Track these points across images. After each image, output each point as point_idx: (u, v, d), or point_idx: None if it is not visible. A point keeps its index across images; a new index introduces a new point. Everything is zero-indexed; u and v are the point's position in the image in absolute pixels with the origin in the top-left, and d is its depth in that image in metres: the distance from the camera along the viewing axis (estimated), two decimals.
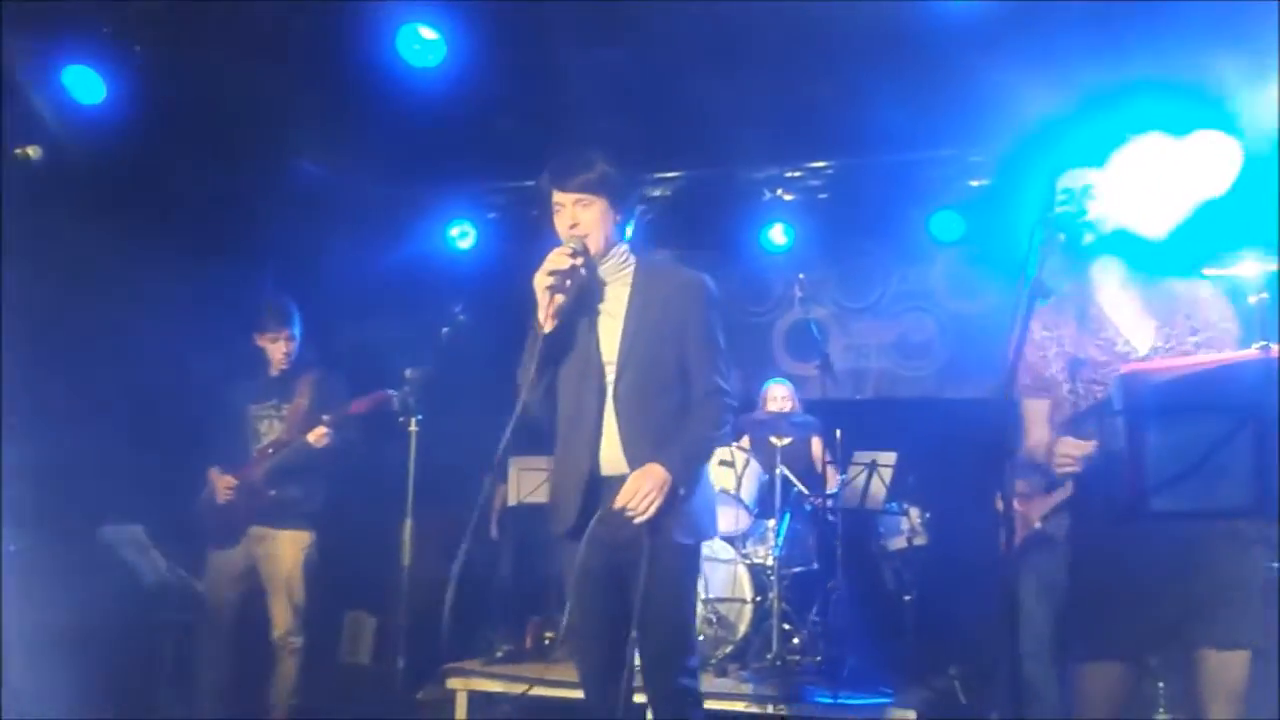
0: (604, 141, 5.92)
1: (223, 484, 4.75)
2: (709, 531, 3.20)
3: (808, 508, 5.85)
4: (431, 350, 4.17)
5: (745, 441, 5.99)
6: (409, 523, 3.43)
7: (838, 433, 5.57)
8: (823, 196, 6.59)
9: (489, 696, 5.30)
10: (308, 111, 5.70)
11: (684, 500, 3.00)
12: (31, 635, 4.31)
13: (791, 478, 5.65)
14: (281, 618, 4.72)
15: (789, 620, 5.38)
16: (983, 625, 4.82)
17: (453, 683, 5.27)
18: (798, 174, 6.56)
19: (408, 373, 4.11)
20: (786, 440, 5.74)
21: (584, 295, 3.09)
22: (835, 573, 5.41)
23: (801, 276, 6.01)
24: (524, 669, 5.35)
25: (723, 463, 5.68)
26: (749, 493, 5.70)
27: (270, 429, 4.80)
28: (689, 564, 3.12)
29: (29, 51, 4.83)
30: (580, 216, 3.05)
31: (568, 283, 2.99)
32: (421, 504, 4.18)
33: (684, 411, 3.08)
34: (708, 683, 4.91)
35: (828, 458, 5.79)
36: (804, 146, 6.37)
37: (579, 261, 3.00)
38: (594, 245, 3.05)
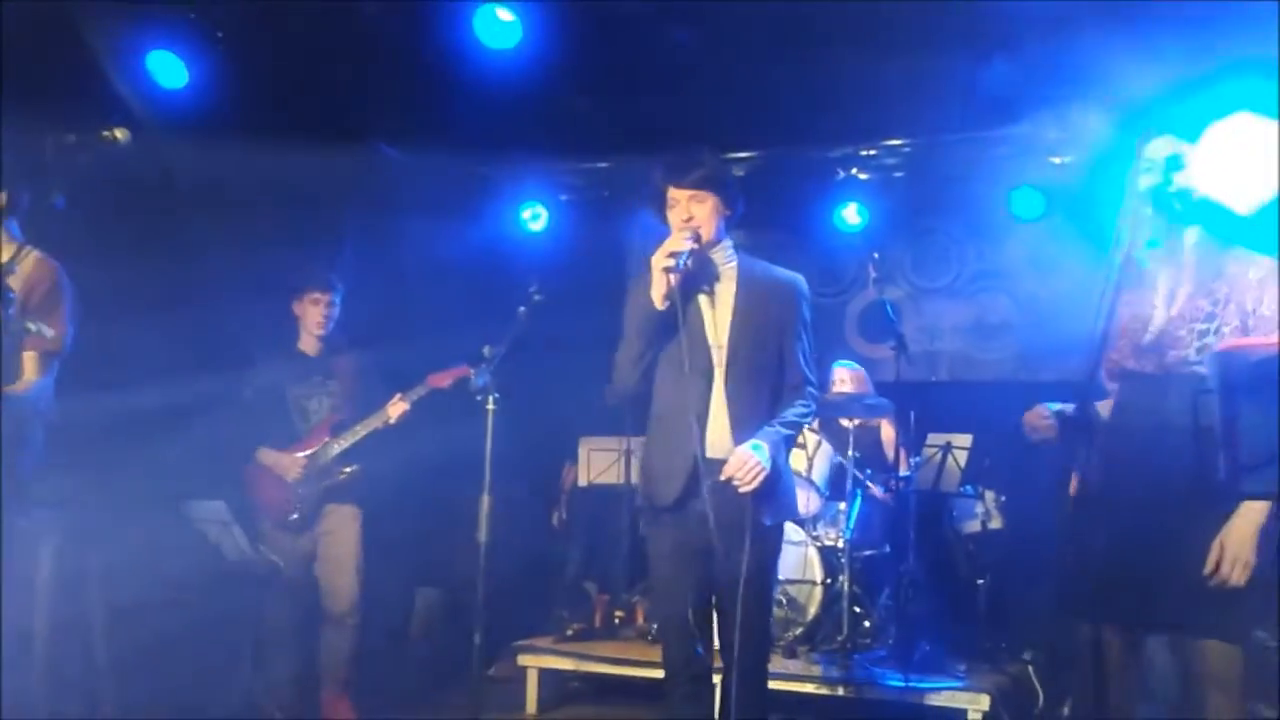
0: (677, 122, 5.93)
1: (292, 463, 4.78)
2: (793, 513, 3.47)
3: (880, 490, 5.80)
4: (508, 329, 4.20)
5: (815, 423, 5.95)
6: (486, 499, 3.47)
7: (911, 415, 5.51)
8: (898, 175, 6.50)
9: (559, 674, 5.36)
10: (385, 94, 5.77)
11: (775, 482, 3.20)
12: (114, 611, 4.44)
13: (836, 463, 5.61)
14: (342, 591, 4.77)
15: (859, 603, 5.35)
16: (1059, 610, 4.74)
17: (524, 660, 5.33)
18: (873, 152, 6.48)
19: (485, 350, 4.14)
20: (858, 422, 5.70)
21: (694, 281, 3.29)
22: (907, 556, 5.36)
23: (876, 256, 5.94)
24: (594, 647, 5.39)
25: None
26: (820, 474, 5.67)
27: (320, 406, 4.84)
28: (776, 544, 3.41)
29: (115, 37, 4.94)
30: (695, 211, 3.26)
31: (683, 266, 3.17)
32: (497, 481, 4.22)
33: (777, 399, 3.31)
34: (777, 664, 4.91)
35: (900, 440, 5.73)
36: (879, 124, 6.28)
37: (695, 246, 3.20)
38: (705, 237, 3.27)
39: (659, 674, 4.99)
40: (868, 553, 5.56)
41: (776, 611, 5.20)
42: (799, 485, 5.58)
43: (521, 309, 3.89)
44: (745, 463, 3.12)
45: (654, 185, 3.33)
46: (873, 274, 5.93)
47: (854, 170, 6.57)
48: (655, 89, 5.61)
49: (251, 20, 5.10)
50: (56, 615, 4.30)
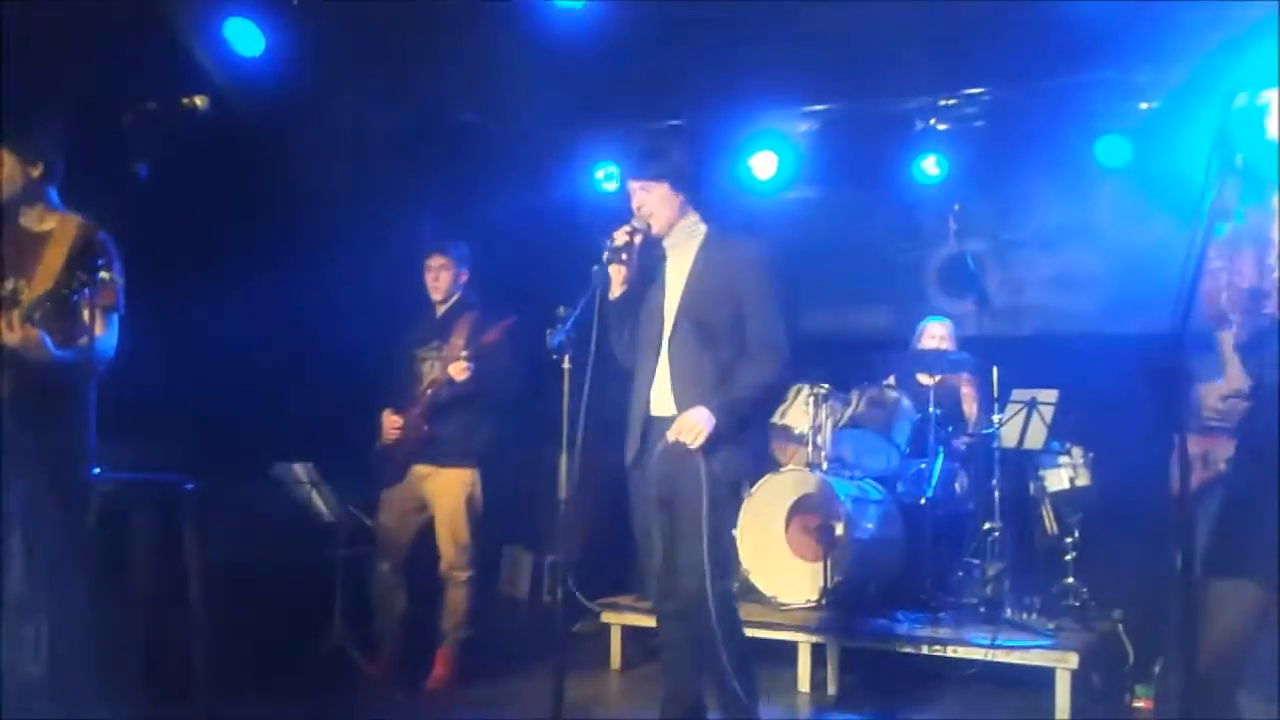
0: (750, 77, 5.85)
1: (390, 424, 4.89)
2: (748, 472, 3.74)
3: (962, 447, 5.72)
4: (583, 289, 4.20)
5: (893, 380, 5.88)
6: (565, 457, 3.50)
7: (995, 370, 5.41)
8: (978, 125, 6.35)
9: (643, 631, 5.39)
10: (458, 58, 5.77)
11: (726, 442, 3.38)
12: (210, 571, 4.56)
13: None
14: (448, 551, 4.87)
15: (943, 561, 5.30)
16: (1150, 568, 4.63)
17: (608, 617, 5.38)
18: (952, 102, 6.33)
19: (560, 310, 4.14)
20: (937, 378, 5.61)
21: (650, 263, 3.59)
22: (991, 513, 5.28)
23: (956, 208, 5.83)
24: None
25: (872, 402, 5.60)
26: (900, 432, 5.60)
27: (431, 369, 4.92)
28: (727, 498, 3.54)
29: (193, 5, 5.01)
30: (643, 200, 3.53)
31: (625, 256, 3.48)
32: (578, 440, 4.24)
33: (736, 364, 3.46)
34: (861, 624, 4.89)
35: (983, 396, 5.62)
36: (958, 73, 6.12)
37: (636, 239, 3.49)
38: (658, 223, 3.53)
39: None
40: (951, 510, 5.49)
41: (858, 571, 5.17)
42: (877, 443, 5.55)
43: (596, 267, 3.88)
44: (684, 428, 3.36)
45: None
46: (953, 227, 5.83)
47: (932, 121, 6.43)
48: (727, 43, 5.53)
49: None
50: (154, 577, 4.44)
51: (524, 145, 6.91)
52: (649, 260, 3.62)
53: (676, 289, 3.57)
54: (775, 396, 3.75)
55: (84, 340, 3.58)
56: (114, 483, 4.18)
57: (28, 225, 3.73)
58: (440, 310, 4.99)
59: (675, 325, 3.51)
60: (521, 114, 6.54)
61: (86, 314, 3.48)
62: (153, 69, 4.50)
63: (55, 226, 3.71)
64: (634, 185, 3.58)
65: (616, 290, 3.54)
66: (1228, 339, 2.95)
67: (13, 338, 3.45)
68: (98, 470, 3.91)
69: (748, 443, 3.56)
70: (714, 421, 3.37)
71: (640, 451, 3.56)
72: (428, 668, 4.87)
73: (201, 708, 4.35)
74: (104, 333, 3.37)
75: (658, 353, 3.55)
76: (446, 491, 4.87)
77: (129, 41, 4.66)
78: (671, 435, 3.40)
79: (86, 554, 3.52)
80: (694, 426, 3.36)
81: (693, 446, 3.35)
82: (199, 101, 3.05)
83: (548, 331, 4.45)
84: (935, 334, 5.93)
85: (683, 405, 3.44)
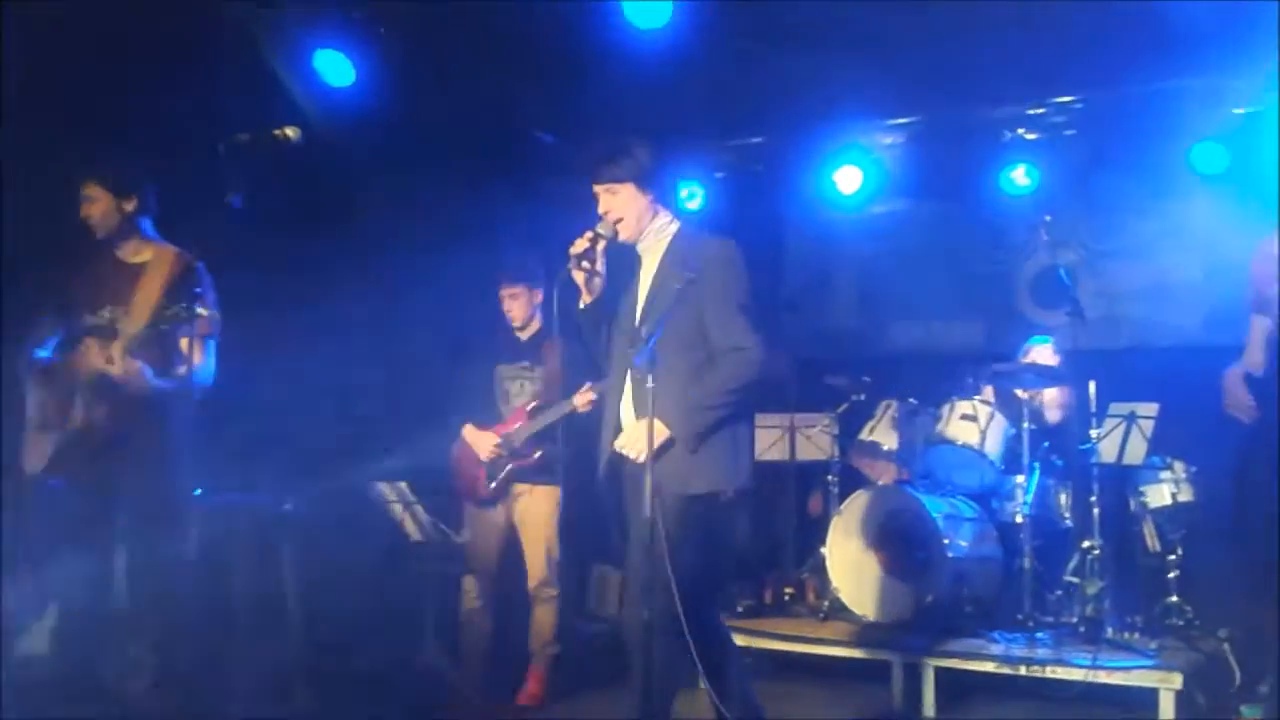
0: (832, 92, 5.82)
1: (487, 441, 4.91)
2: (730, 483, 3.31)
3: (1059, 462, 5.58)
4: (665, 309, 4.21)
5: (988, 394, 5.76)
6: (649, 477, 3.50)
7: (1091, 384, 5.28)
8: (1069, 133, 6.22)
9: None
10: (541, 82, 5.85)
11: (691, 453, 3.23)
12: (307, 589, 4.67)
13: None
14: (537, 569, 4.89)
15: (1041, 580, 5.17)
16: (1257, 586, 4.46)
17: None
18: (1041, 111, 6.20)
19: (643, 330, 4.15)
20: (1033, 393, 5.49)
21: (627, 269, 3.48)
22: (1091, 530, 5.14)
23: (1047, 219, 5.70)
24: (764, 624, 5.37)
25: (964, 416, 5.49)
26: (994, 448, 5.48)
27: (521, 390, 4.95)
28: (701, 513, 3.28)
29: (284, 37, 5.16)
30: (609, 204, 3.39)
31: (587, 263, 3.36)
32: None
33: (703, 369, 3.30)
34: (954, 643, 4.79)
35: (1080, 410, 5.48)
36: (1048, 81, 6.01)
37: (598, 245, 3.37)
38: (627, 226, 3.40)
39: (831, 651, 5.02)
40: (1048, 527, 5.37)
41: (952, 590, 5.07)
42: (970, 460, 5.45)
43: (677, 287, 3.88)
44: (628, 440, 3.29)
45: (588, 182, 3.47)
46: (1044, 238, 5.72)
47: (1021, 130, 6.31)
48: (808, 59, 5.50)
49: (412, 16, 5.24)
50: (254, 592, 4.56)
51: None
52: (624, 266, 3.51)
53: (644, 293, 3.45)
54: (750, 398, 3.40)
55: (182, 369, 3.70)
56: (215, 504, 4.33)
57: (124, 257, 3.88)
58: (524, 335, 5.01)
59: (639, 333, 3.36)
60: (600, 133, 6.58)
61: (184, 343, 3.60)
62: (245, 101, 4.66)
63: (151, 257, 3.85)
64: (598, 189, 3.43)
65: (586, 298, 3.44)
66: (1255, 323, 2.87)
67: (115, 369, 3.58)
68: (199, 492, 4.04)
69: (718, 453, 3.29)
70: (665, 434, 3.22)
71: (608, 466, 3.46)
72: (518, 684, 4.90)
73: None
74: (201, 361, 3.47)
75: (627, 359, 3.37)
76: (537, 509, 4.90)
77: (222, 74, 4.82)
78: (616, 446, 3.33)
79: (189, 573, 3.62)
80: (637, 439, 3.24)
81: (637, 460, 3.24)
82: (290, 133, 3.14)
83: (630, 351, 4.47)
84: (1034, 354, 5.79)
85: (643, 415, 3.24)
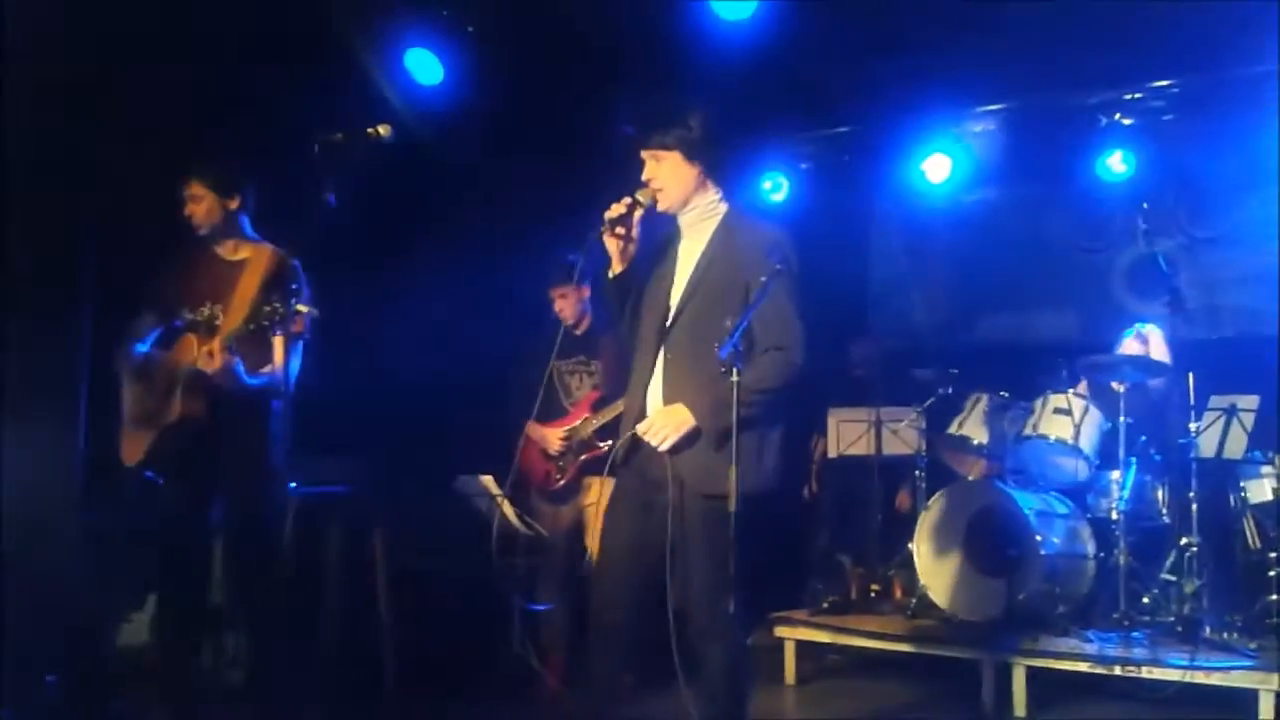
0: (920, 79, 5.74)
1: (553, 436, 4.94)
2: (750, 487, 3.03)
3: (1156, 457, 5.43)
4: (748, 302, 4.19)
5: (1083, 387, 5.63)
6: (733, 470, 3.47)
7: (1190, 376, 5.13)
8: (1167, 118, 6.04)
9: (818, 646, 5.33)
10: (625, 76, 5.85)
11: (715, 450, 2.98)
12: (398, 580, 4.76)
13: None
14: None
15: (1137, 577, 5.04)
16: None
17: (780, 631, 5.33)
18: (1137, 95, 6.03)
19: (726, 323, 4.14)
20: (1128, 385, 5.34)
21: (657, 242, 3.20)
22: (1189, 527, 5.00)
23: (1145, 206, 5.56)
24: (850, 620, 5.33)
25: (1058, 410, 5.38)
26: (1089, 442, 5.36)
27: (581, 384, 4.98)
28: (718, 514, 2.97)
29: (376, 37, 5.25)
30: (654, 170, 3.12)
31: (627, 229, 3.11)
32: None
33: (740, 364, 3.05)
34: (1047, 642, 4.70)
35: (1178, 403, 5.33)
36: (1144, 65, 5.84)
37: (636, 212, 3.10)
38: (668, 197, 3.13)
39: (919, 649, 4.96)
40: (1145, 524, 5.23)
41: (1045, 588, 4.97)
42: (1064, 454, 5.33)
43: (761, 279, 3.84)
44: (652, 425, 3.04)
45: (625, 143, 3.19)
46: (1142, 225, 5.57)
47: (1117, 115, 6.14)
48: (895, 47, 5.43)
49: (498, 13, 5.29)
50: (346, 585, 4.66)
51: None
52: (661, 238, 3.25)
53: (686, 273, 3.17)
54: (787, 405, 3.20)
55: (270, 366, 3.79)
56: (309, 496, 4.43)
57: (224, 254, 3.98)
58: (578, 331, 4.99)
59: (679, 312, 3.13)
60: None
61: (278, 339, 3.68)
62: (339, 100, 4.75)
63: (250, 255, 3.95)
64: (644, 154, 3.14)
65: (617, 267, 3.16)
66: None
67: (212, 364, 3.67)
68: (294, 485, 4.13)
69: (743, 454, 2.99)
70: (691, 424, 3.00)
71: (630, 450, 3.15)
72: None
73: (390, 710, 4.54)
74: (291, 357, 3.55)
75: (659, 341, 3.14)
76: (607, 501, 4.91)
77: (317, 74, 4.92)
78: (640, 430, 3.06)
79: (283, 564, 3.70)
80: (663, 426, 3.02)
81: (660, 448, 3.03)
82: (383, 131, 3.17)
83: (715, 344, 4.45)
84: (1132, 342, 5.64)
85: (671, 403, 3.07)
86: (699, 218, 3.20)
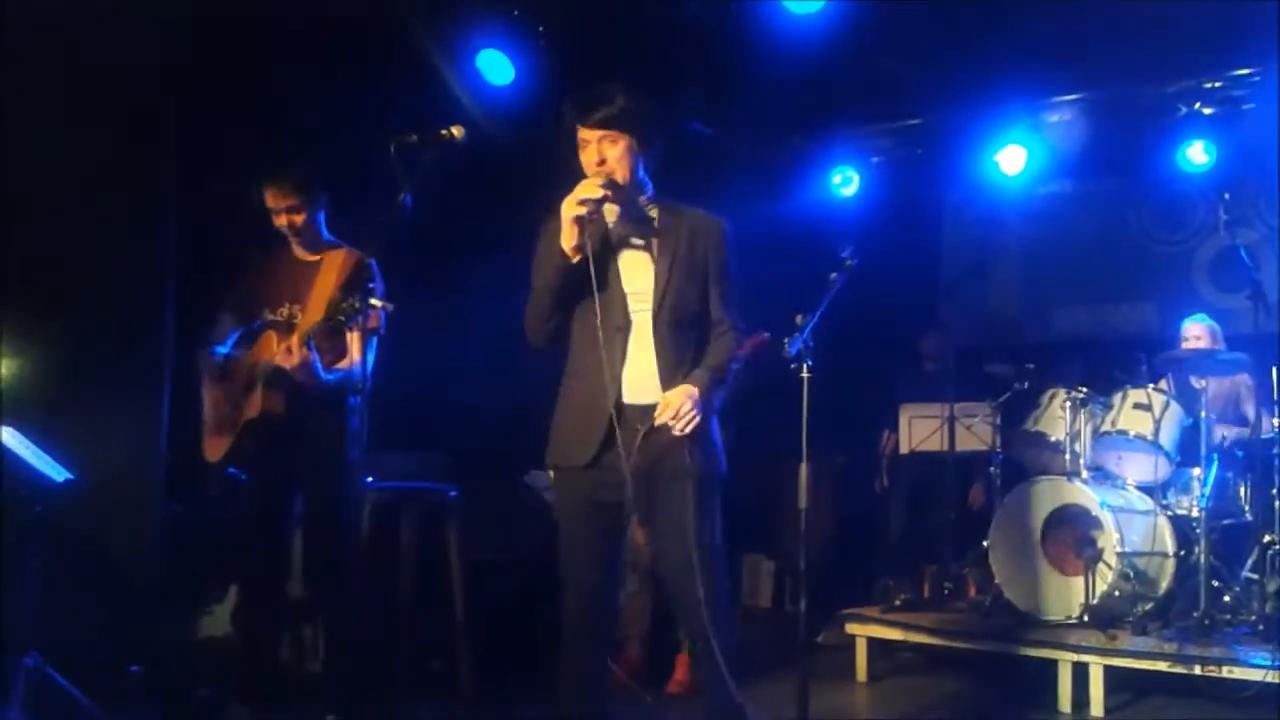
0: (993, 71, 5.66)
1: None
2: (722, 468, 3.14)
3: (1239, 454, 5.31)
4: (820, 296, 4.17)
5: (1164, 383, 5.53)
6: (804, 467, 3.46)
7: (1274, 370, 5.00)
8: (1248, 107, 5.90)
9: (890, 643, 5.29)
10: (696, 73, 5.87)
11: (706, 430, 3.02)
12: (471, 573, 4.82)
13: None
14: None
15: (1218, 576, 4.93)
16: None
17: (851, 628, 5.30)
18: (1218, 84, 5.90)
19: (797, 318, 4.13)
20: (1210, 381, 5.23)
21: (608, 230, 3.08)
22: (1272, 524, 4.88)
23: (1226, 197, 5.45)
24: (922, 618, 5.28)
25: (1138, 406, 5.28)
26: (1169, 439, 5.25)
27: None
28: (714, 499, 3.09)
29: (448, 38, 5.32)
30: (607, 152, 3.00)
31: (595, 215, 2.97)
32: (814, 449, 4.22)
33: (703, 344, 3.11)
34: (1126, 641, 4.62)
35: (1261, 398, 5.21)
36: (1224, 54, 5.71)
37: (609, 194, 2.97)
38: (621, 180, 3.02)
39: (991, 647, 4.91)
40: (1226, 521, 5.12)
41: (1123, 585, 4.89)
42: (1145, 450, 5.23)
43: (833, 275, 3.82)
44: (674, 407, 2.94)
45: (565, 123, 3.05)
46: (1223, 216, 5.48)
47: (1197, 105, 6.01)
48: (968, 36, 5.37)
49: (567, 12, 5.33)
50: (420, 578, 4.74)
51: (761, 153, 6.94)
52: (595, 230, 3.10)
53: (639, 263, 3.08)
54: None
55: (345, 363, 3.87)
56: (385, 491, 4.51)
57: (301, 255, 4.06)
58: None
59: (659, 305, 3.05)
60: (759, 122, 6.56)
61: (352, 337, 3.75)
62: (413, 101, 4.82)
63: (327, 256, 4.03)
64: (592, 134, 3.00)
65: (574, 256, 2.99)
66: None
67: (291, 360, 3.75)
68: (370, 480, 4.21)
69: (717, 434, 3.12)
70: (702, 403, 2.98)
71: (602, 448, 3.00)
72: (669, 672, 4.95)
73: (463, 703, 4.61)
74: (365, 355, 3.61)
75: (626, 339, 3.04)
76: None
77: (390, 75, 5.00)
78: (659, 418, 2.96)
79: (360, 557, 3.76)
80: (684, 406, 2.95)
81: (685, 431, 2.96)
82: (456, 132, 3.20)
83: (785, 340, 4.44)
84: (1195, 334, 5.55)
85: (669, 385, 3.01)
86: (642, 205, 3.13)
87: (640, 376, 3.05)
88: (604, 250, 3.06)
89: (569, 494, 3.13)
